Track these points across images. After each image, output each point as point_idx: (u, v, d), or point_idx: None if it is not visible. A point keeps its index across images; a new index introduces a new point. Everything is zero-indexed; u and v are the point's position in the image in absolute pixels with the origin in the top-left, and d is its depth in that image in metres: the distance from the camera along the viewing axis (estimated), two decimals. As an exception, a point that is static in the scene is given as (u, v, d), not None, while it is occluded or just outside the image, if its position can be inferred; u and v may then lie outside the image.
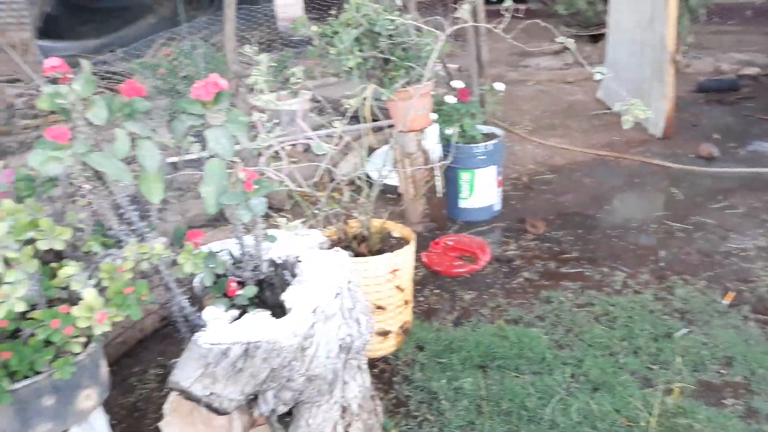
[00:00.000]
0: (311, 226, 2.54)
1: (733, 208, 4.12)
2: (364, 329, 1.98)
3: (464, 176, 4.16)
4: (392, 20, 3.34)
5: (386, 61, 3.53)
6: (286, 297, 1.81)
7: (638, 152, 5.26)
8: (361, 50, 3.42)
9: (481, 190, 4.20)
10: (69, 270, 1.44)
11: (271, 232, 2.03)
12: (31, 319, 1.43)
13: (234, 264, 2.00)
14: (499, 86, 4.68)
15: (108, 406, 2.59)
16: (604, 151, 5.38)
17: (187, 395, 1.60)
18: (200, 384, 1.59)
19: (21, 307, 1.38)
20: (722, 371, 2.60)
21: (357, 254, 2.72)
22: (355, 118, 3.23)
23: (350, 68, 3.34)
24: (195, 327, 1.83)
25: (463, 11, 2.84)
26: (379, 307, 2.73)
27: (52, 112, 1.59)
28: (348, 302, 1.92)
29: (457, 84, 4.35)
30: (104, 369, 1.77)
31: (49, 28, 9.46)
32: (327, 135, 4.56)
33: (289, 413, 1.91)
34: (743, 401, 2.43)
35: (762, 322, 2.90)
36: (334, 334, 1.84)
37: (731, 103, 6.49)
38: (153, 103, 4.60)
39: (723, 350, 2.71)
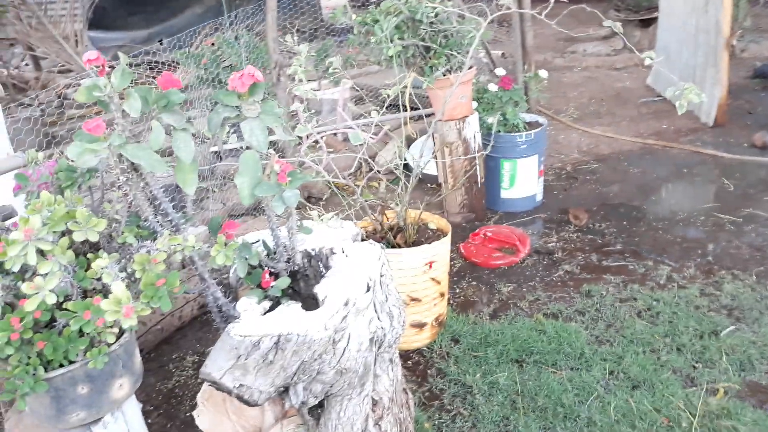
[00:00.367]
0: (347, 217, 2.53)
1: (789, 201, 3.95)
2: (397, 323, 1.96)
3: (506, 166, 4.09)
4: (434, 8, 3.30)
5: (427, 49, 3.49)
6: (319, 289, 1.81)
7: (688, 141, 5.08)
8: (401, 38, 3.39)
9: (523, 180, 4.12)
10: (101, 262, 1.46)
11: (306, 223, 2.03)
12: (66, 309, 1.46)
13: (268, 255, 2.00)
14: (543, 73, 4.60)
15: (146, 392, 2.66)
16: (652, 139, 5.21)
17: (218, 386, 1.62)
18: (231, 376, 1.60)
19: (52, 300, 1.41)
20: (771, 372, 2.51)
21: (393, 246, 2.71)
22: (396, 107, 3.20)
23: (390, 57, 3.31)
24: (228, 318, 1.85)
25: (508, -3, 2.77)
26: (414, 299, 2.71)
27: (95, 104, 1.61)
28: (380, 295, 1.91)
29: (500, 71, 4.29)
30: (137, 359, 1.80)
31: (99, 19, 9.69)
32: (366, 124, 4.54)
33: (320, 405, 1.92)
34: (793, 404, 2.34)
35: (816, 320, 2.78)
36: (365, 327, 1.83)
37: (790, 90, 6.20)
38: (197, 93, 4.67)
39: (773, 350, 2.60)
